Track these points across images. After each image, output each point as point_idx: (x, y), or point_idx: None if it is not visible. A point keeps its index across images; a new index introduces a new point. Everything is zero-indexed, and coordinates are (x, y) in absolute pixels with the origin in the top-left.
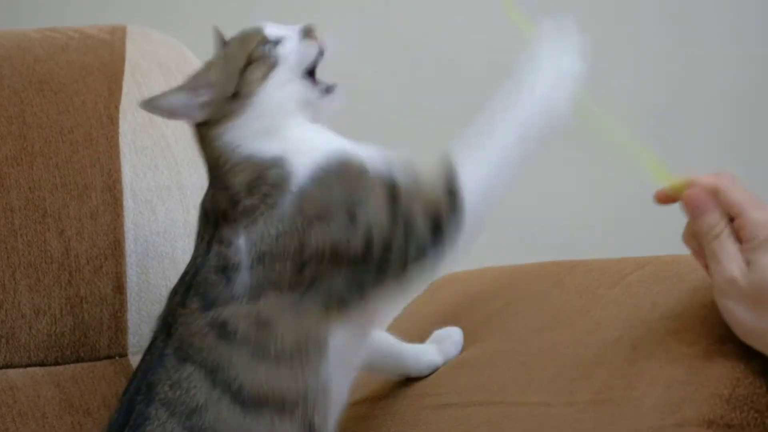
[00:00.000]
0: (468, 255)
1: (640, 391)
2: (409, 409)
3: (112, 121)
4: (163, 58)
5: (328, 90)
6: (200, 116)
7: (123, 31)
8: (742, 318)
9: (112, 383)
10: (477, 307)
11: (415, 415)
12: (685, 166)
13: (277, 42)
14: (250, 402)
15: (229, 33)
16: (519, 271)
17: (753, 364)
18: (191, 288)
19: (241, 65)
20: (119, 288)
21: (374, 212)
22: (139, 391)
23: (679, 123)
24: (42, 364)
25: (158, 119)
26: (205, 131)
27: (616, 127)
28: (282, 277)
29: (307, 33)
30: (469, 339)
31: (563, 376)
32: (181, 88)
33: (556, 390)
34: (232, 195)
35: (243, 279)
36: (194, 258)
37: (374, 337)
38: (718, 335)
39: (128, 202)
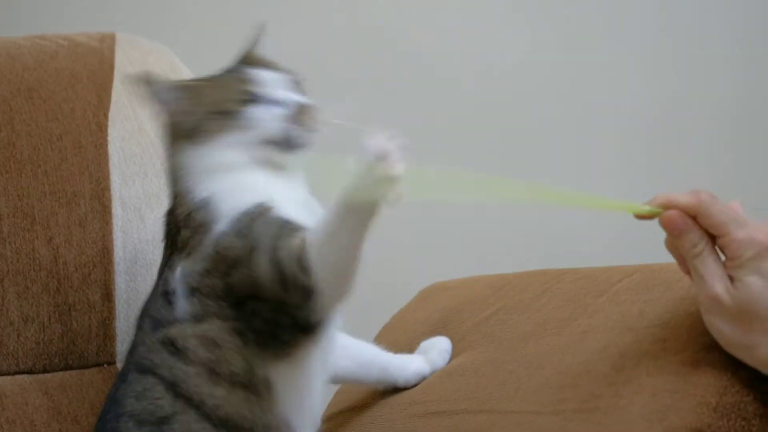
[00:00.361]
0: (456, 264)
1: (627, 400)
2: (397, 418)
3: (101, 128)
4: (152, 66)
5: (291, 146)
6: (174, 119)
7: (112, 38)
8: (728, 333)
9: (101, 391)
10: (465, 316)
11: (404, 423)
12: (681, 174)
13: (261, 100)
14: (217, 421)
15: (221, 42)
16: (506, 279)
17: (740, 372)
18: (145, 311)
19: (218, 109)
20: (108, 296)
21: (260, 263)
22: (108, 409)
23: (676, 131)
24: (30, 372)
25: (147, 126)
26: (171, 135)
27: (571, 193)
28: (217, 309)
29: (297, 115)
30: (457, 348)
31: (550, 384)
32: (177, 88)
33: (543, 398)
34: (176, 222)
35: (182, 304)
36: (155, 282)
37: (360, 349)
38: (705, 343)
39: (117, 209)
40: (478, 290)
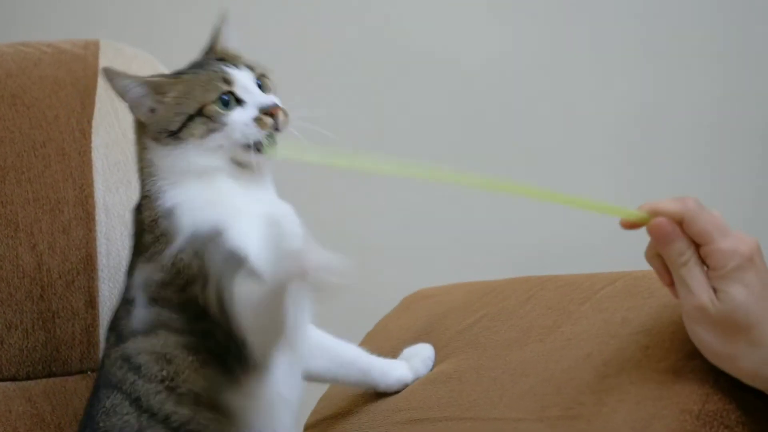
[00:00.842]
0: (440, 271)
1: (611, 407)
2: (380, 425)
3: (85, 135)
4: (136, 73)
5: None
6: (142, 117)
7: (96, 45)
8: (711, 343)
9: (84, 398)
10: (448, 323)
11: (387, 430)
12: (663, 177)
13: (235, 101)
14: None
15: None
16: (490, 286)
17: (722, 380)
18: (113, 320)
19: (191, 111)
20: (91, 303)
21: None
22: (85, 425)
23: (659, 134)
24: (13, 379)
25: (131, 134)
26: (141, 131)
27: (561, 193)
28: (171, 321)
29: (262, 117)
30: (440, 355)
31: (534, 391)
32: (145, 83)
33: (527, 406)
34: (141, 224)
35: (139, 314)
36: None
37: (343, 350)
38: (688, 351)
39: (101, 216)
40: (462, 297)
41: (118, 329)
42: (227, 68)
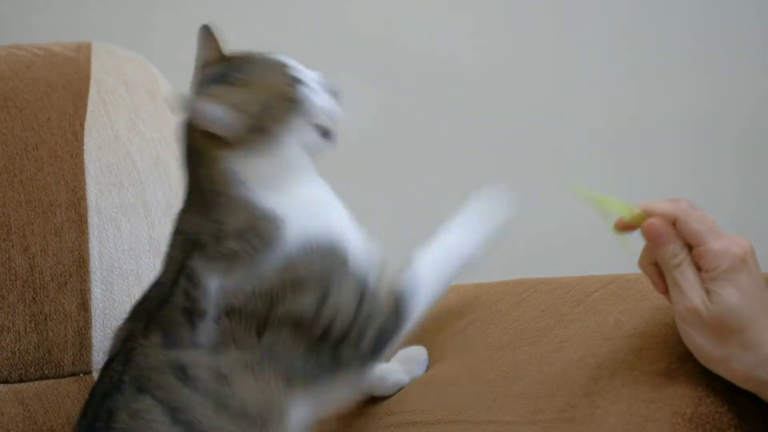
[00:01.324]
0: None
1: (604, 410)
2: (373, 428)
3: (77, 138)
4: (128, 75)
5: (328, 137)
6: (230, 134)
7: (88, 48)
8: (703, 345)
9: (77, 401)
10: (442, 326)
11: None
12: (649, 186)
13: (302, 82)
14: None
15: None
16: (483, 289)
17: (715, 382)
18: (154, 320)
19: (265, 98)
20: (84, 305)
21: (343, 303)
22: (98, 416)
23: (643, 143)
24: (6, 382)
25: (123, 136)
26: (209, 146)
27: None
28: (244, 337)
29: (335, 93)
30: (434, 357)
31: (527, 394)
32: (222, 101)
33: (520, 408)
34: (219, 230)
35: (207, 328)
36: (160, 283)
37: None
38: (680, 353)
39: (93, 219)
40: (454, 300)
41: (169, 331)
42: (285, 59)
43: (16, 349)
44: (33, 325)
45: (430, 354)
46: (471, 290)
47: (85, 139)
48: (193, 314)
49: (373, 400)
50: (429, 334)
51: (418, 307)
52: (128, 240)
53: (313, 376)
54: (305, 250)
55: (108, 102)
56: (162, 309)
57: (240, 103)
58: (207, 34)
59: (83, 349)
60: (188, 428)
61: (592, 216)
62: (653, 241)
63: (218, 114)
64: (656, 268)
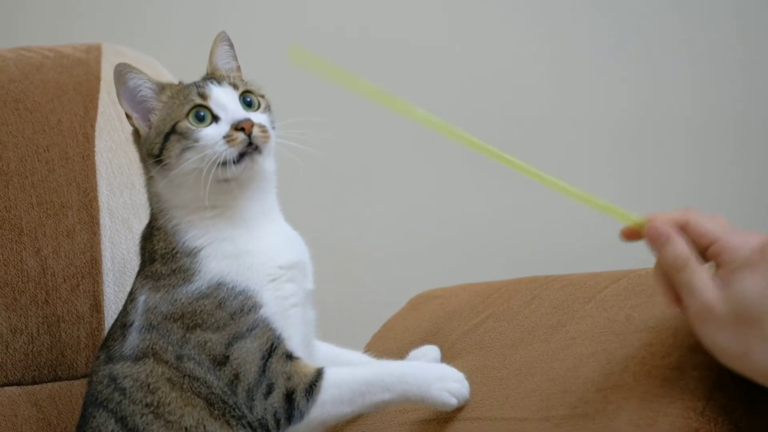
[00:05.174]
0: (445, 272)
1: (615, 405)
2: (388, 426)
3: (88, 139)
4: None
5: (238, 160)
6: (141, 127)
7: (98, 49)
8: (722, 342)
9: None
10: (454, 324)
11: (394, 431)
12: (657, 183)
13: (211, 117)
14: None
15: (207, 51)
16: (495, 287)
17: (725, 374)
18: (107, 337)
19: (167, 129)
20: (96, 306)
21: (248, 355)
22: None
23: (652, 139)
24: (19, 384)
25: None
26: (144, 163)
27: (571, 187)
28: (163, 354)
29: (233, 132)
30: (446, 355)
31: (540, 391)
32: (154, 85)
33: (532, 405)
34: (153, 251)
35: (132, 339)
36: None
37: (352, 359)
38: (690, 346)
39: (105, 220)
40: (467, 298)
41: (109, 349)
42: (206, 83)
43: (29, 351)
44: (46, 327)
45: (442, 352)
46: (483, 288)
47: (96, 141)
48: (125, 326)
49: None
50: (442, 331)
51: (312, 416)
52: None
53: (236, 416)
54: (218, 290)
55: (118, 103)
56: (111, 328)
57: (154, 123)
58: (215, 42)
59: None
60: None
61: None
62: (654, 242)
63: (141, 85)
64: (666, 278)
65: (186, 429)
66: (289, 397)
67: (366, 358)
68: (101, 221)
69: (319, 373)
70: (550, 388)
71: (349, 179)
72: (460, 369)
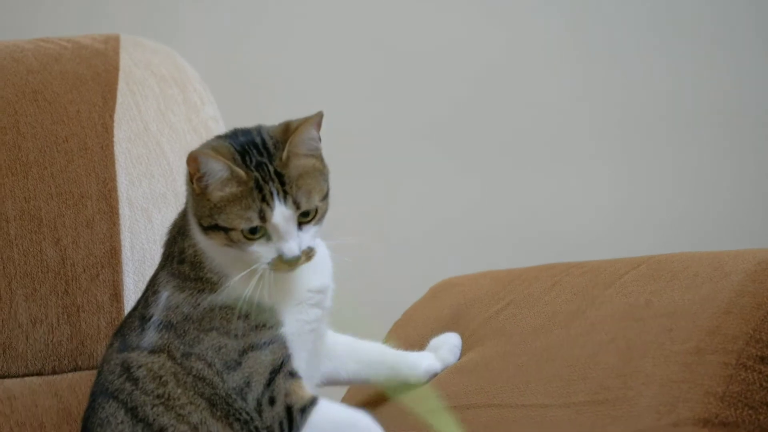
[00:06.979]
0: (465, 260)
1: (635, 391)
2: (409, 413)
3: (107, 130)
4: (156, 67)
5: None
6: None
7: (116, 40)
8: None
9: None
10: (475, 312)
11: (415, 419)
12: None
13: (263, 231)
14: None
15: (224, 43)
16: (515, 274)
17: (744, 357)
18: (121, 327)
19: (221, 224)
20: (116, 296)
21: (259, 366)
22: None
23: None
24: (39, 374)
25: (153, 127)
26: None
27: None
28: (175, 353)
29: (279, 263)
30: (467, 343)
31: (560, 377)
32: (227, 165)
33: (553, 391)
34: (181, 251)
35: (150, 332)
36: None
37: (367, 349)
38: (709, 329)
39: (124, 210)
40: (488, 286)
41: (125, 337)
42: (271, 197)
43: (49, 341)
44: (66, 317)
45: (463, 340)
46: (503, 275)
47: (115, 131)
48: (144, 319)
49: (408, 388)
50: (462, 319)
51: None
52: (159, 230)
53: (240, 420)
54: (244, 303)
55: (137, 93)
56: (129, 317)
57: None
58: (303, 125)
59: None
60: (148, 427)
61: (622, 199)
62: None
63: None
64: None
65: (193, 426)
66: (288, 410)
67: (385, 349)
68: (120, 211)
69: (312, 401)
70: (571, 375)
71: (369, 166)
72: (481, 356)
